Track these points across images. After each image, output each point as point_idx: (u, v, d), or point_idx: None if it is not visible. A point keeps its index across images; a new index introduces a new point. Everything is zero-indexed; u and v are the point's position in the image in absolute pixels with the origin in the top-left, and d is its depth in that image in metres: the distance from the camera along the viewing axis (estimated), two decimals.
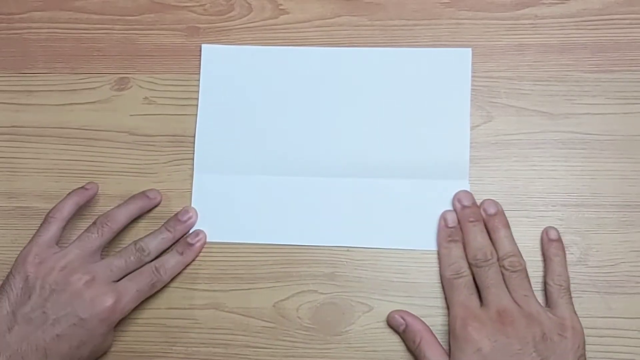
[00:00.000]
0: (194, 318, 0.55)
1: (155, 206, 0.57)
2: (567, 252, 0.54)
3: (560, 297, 0.52)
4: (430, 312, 0.54)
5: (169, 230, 0.56)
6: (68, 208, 0.54)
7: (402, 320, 0.54)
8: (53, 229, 0.53)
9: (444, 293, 0.54)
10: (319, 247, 0.56)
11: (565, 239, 0.54)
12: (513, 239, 0.54)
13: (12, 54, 0.61)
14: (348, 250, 0.56)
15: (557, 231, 0.54)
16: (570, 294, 0.52)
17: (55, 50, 0.61)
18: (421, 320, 0.53)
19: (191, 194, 0.58)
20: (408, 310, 0.54)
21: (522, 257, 0.53)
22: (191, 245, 0.56)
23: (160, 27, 0.60)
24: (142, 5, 0.61)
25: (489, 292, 0.52)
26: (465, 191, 0.55)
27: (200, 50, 0.59)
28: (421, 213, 0.56)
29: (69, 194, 0.55)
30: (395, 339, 0.54)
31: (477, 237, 0.53)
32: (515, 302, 0.51)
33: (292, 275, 0.56)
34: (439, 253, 0.55)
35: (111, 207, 0.57)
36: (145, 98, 0.59)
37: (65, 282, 0.50)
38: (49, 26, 0.61)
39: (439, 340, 0.53)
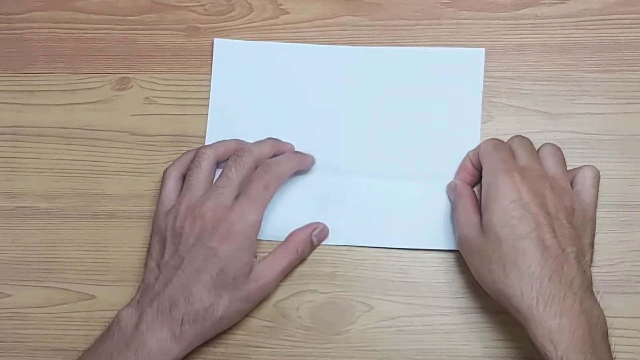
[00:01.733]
0: None
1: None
2: None
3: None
4: (430, 312, 0.54)
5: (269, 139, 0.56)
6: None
7: (454, 184, 0.55)
8: (172, 183, 0.54)
9: (484, 162, 0.52)
10: (319, 246, 0.56)
11: None
12: None
13: (12, 54, 0.61)
14: (348, 250, 0.56)
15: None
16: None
17: (55, 50, 0.61)
18: (470, 187, 0.54)
19: None
20: (408, 310, 0.54)
21: None
22: (301, 153, 0.56)
23: (160, 27, 0.61)
24: (143, 5, 0.61)
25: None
26: None
27: (212, 46, 0.59)
28: (427, 214, 0.55)
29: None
30: (395, 338, 0.54)
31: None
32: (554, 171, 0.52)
33: (293, 275, 0.56)
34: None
35: (111, 207, 0.57)
36: (146, 98, 0.59)
37: (190, 222, 0.51)
38: (49, 26, 0.61)
39: (438, 338, 0.53)
